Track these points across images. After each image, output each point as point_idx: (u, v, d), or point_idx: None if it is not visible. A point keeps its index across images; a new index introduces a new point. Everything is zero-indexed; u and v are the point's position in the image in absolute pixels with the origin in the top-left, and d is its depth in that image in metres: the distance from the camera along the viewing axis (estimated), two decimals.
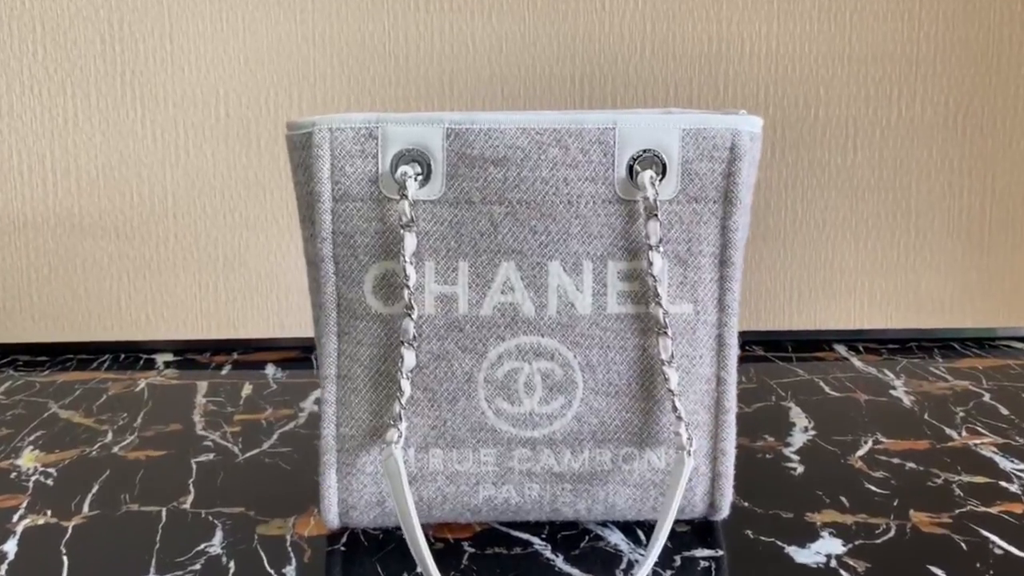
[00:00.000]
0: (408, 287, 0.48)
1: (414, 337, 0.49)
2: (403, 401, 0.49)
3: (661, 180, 0.50)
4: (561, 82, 0.86)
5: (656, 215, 0.49)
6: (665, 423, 0.51)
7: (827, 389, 0.81)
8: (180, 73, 0.85)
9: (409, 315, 0.48)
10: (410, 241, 0.48)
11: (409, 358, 0.49)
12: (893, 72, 0.88)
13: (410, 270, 0.48)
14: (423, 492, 0.51)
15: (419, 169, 0.49)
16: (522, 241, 0.49)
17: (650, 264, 0.49)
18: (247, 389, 0.82)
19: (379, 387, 0.50)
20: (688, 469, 0.49)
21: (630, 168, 0.49)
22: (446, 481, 0.51)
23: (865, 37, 0.88)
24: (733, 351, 0.52)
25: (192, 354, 0.92)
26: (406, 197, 0.48)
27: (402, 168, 0.49)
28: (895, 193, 0.91)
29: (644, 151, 0.50)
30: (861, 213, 0.90)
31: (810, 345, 0.94)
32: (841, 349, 0.93)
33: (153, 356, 0.92)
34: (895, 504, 0.57)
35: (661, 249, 0.49)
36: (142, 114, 0.85)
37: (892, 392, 0.80)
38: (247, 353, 0.92)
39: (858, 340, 0.96)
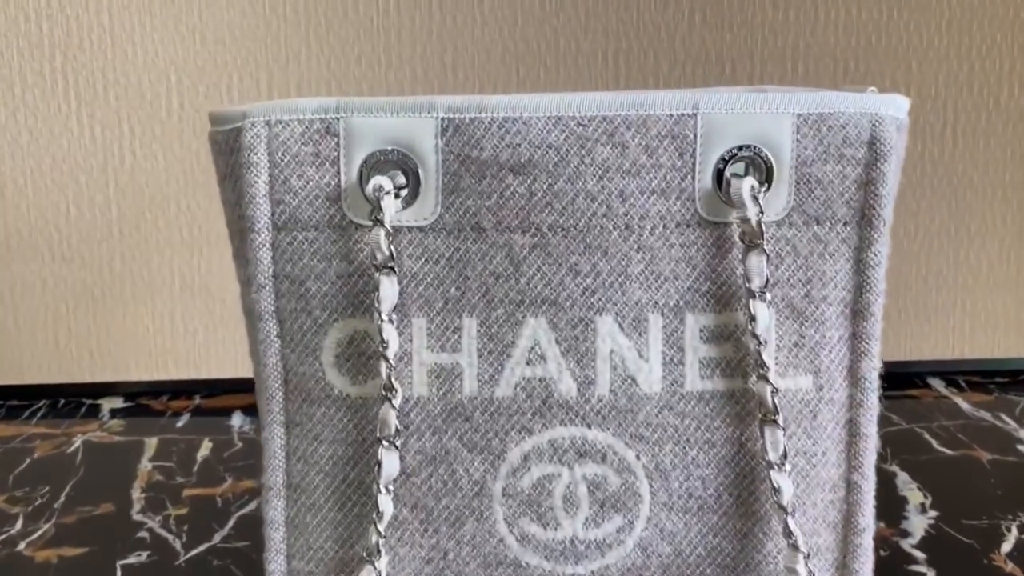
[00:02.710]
0: (387, 357, 0.34)
1: (397, 431, 0.34)
2: (382, 525, 0.34)
3: (766, 192, 0.34)
4: (591, 60, 0.75)
5: (760, 245, 0.33)
6: (771, 551, 0.35)
7: (935, 444, 0.65)
8: (123, 55, 0.75)
9: (389, 399, 0.34)
10: (389, 288, 0.34)
11: (390, 462, 0.34)
12: (1003, 42, 0.74)
13: (389, 331, 0.34)
14: None
15: (402, 180, 0.34)
16: (558, 287, 0.33)
17: (751, 318, 0.34)
18: (204, 448, 0.68)
19: (347, 503, 0.35)
20: None
21: (719, 174, 0.34)
22: None
23: (967, 1, 0.74)
24: (871, 443, 0.36)
25: (146, 398, 0.80)
26: (382, 223, 0.33)
27: (376, 179, 0.34)
28: (1004, 192, 0.78)
29: (740, 148, 0.34)
30: (962, 217, 0.78)
31: (899, 380, 0.79)
32: (938, 385, 0.78)
33: (99, 402, 0.79)
34: None
35: (767, 295, 0.33)
36: (77, 107, 0.75)
37: (1021, 447, 0.63)
38: (211, 396, 0.80)
39: (958, 372, 0.80)
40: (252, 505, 0.58)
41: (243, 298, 0.36)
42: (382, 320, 0.33)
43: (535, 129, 0.33)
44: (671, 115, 0.33)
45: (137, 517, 0.56)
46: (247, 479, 0.62)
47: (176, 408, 0.76)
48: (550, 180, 0.33)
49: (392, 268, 0.33)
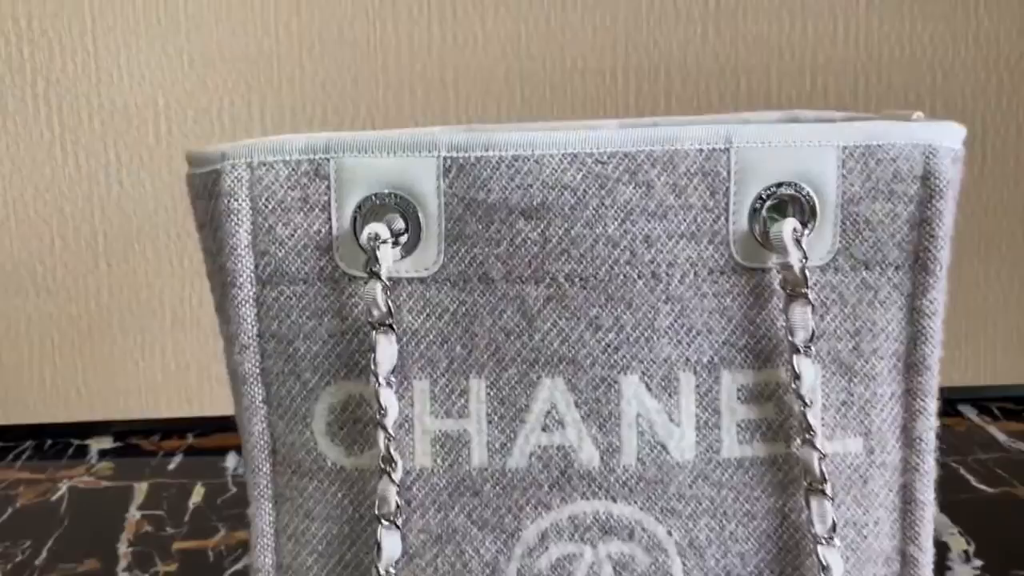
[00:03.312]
0: (385, 425, 0.31)
1: (398, 508, 0.30)
2: None
3: (809, 234, 0.30)
4: (599, 78, 0.73)
5: (804, 293, 0.30)
6: None
7: (973, 481, 0.61)
8: (108, 79, 0.73)
9: (389, 471, 0.31)
10: (387, 348, 0.31)
11: (391, 543, 0.30)
12: None
13: (388, 396, 0.31)
14: None
15: (400, 226, 0.31)
16: (576, 343, 0.30)
17: (794, 376, 0.30)
18: (197, 494, 0.64)
19: None
20: None
21: (754, 213, 0.30)
22: None
23: (996, 9, 0.71)
24: (927, 512, 0.33)
25: (136, 438, 0.77)
26: (378, 275, 0.30)
27: (372, 226, 0.31)
28: None
29: (779, 185, 0.31)
30: (991, 236, 0.75)
31: None
32: (970, 413, 0.75)
33: (87, 442, 0.77)
34: None
35: (812, 349, 0.30)
36: (61, 134, 0.74)
37: None
38: (204, 435, 0.77)
39: (990, 399, 0.77)
40: (247, 559, 0.54)
41: (226, 358, 0.33)
42: (379, 383, 0.30)
43: (548, 168, 0.30)
44: (701, 150, 0.30)
45: (123, 575, 0.53)
46: (241, 529, 0.58)
47: (168, 448, 0.73)
48: (566, 224, 0.30)
49: (390, 325, 0.30)
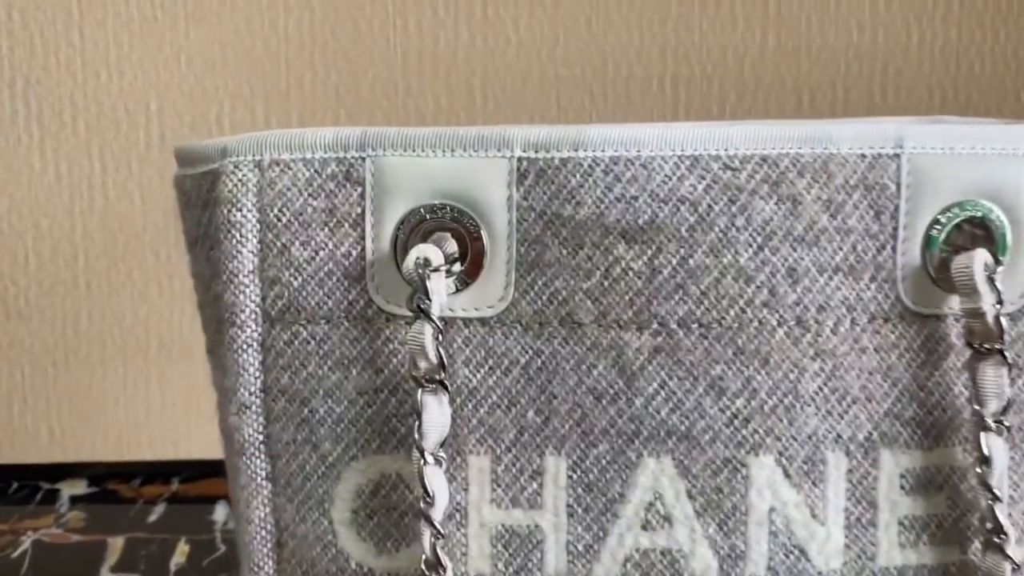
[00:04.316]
0: (431, 518, 0.24)
1: None
2: None
3: (1003, 270, 0.23)
4: (644, 87, 0.68)
5: (998, 349, 0.23)
6: None
7: None
8: (95, 79, 0.69)
9: None
10: (436, 412, 0.24)
11: None
12: None
13: (435, 477, 0.24)
14: None
15: (456, 249, 0.24)
16: (692, 412, 0.23)
17: (980, 459, 0.24)
18: (180, 553, 0.59)
19: None
20: None
21: (930, 242, 0.23)
22: None
23: None
24: None
25: (114, 482, 0.71)
26: (427, 314, 0.23)
27: (419, 249, 0.24)
28: None
29: (962, 206, 0.23)
30: None
31: None
32: None
33: (57, 487, 0.72)
34: None
35: (1006, 424, 0.22)
36: (40, 139, 0.70)
37: None
38: (191, 481, 0.71)
39: None
40: None
41: (219, 417, 0.25)
42: (424, 459, 0.23)
43: (661, 174, 0.22)
44: (863, 155, 0.23)
45: None
46: None
47: (149, 495, 0.68)
48: (683, 251, 0.22)
49: (441, 382, 0.23)
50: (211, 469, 0.70)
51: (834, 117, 0.67)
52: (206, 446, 0.71)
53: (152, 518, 0.63)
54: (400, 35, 0.69)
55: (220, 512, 0.64)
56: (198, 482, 0.70)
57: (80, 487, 0.69)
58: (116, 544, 0.59)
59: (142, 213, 0.69)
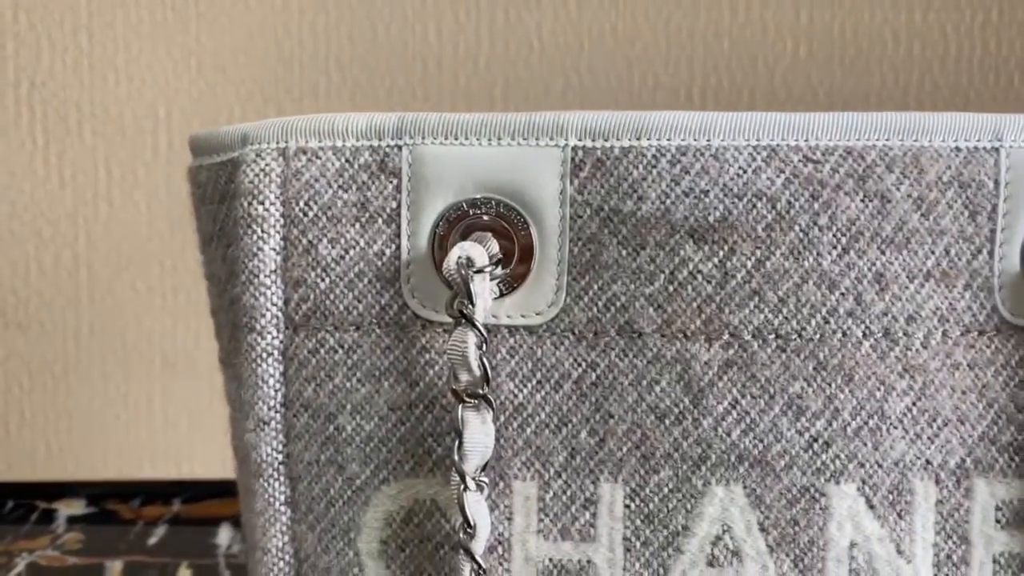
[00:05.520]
0: (471, 551, 0.22)
1: None
2: None
3: None
4: (671, 96, 0.68)
5: None
6: None
7: None
8: (102, 83, 0.67)
9: None
10: (478, 431, 0.22)
11: None
12: None
13: (476, 504, 0.22)
14: None
15: (498, 249, 0.22)
16: (766, 434, 0.21)
17: None
18: None
19: None
20: None
21: None
22: None
23: None
24: None
25: (113, 502, 0.69)
26: (471, 321, 0.21)
27: (461, 247, 0.22)
28: None
29: None
30: None
31: None
32: None
33: (54, 506, 0.70)
34: None
35: None
36: (45, 144, 0.69)
37: None
38: (194, 501, 0.69)
39: None
40: None
41: (233, 434, 0.23)
42: (464, 485, 0.20)
43: (735, 167, 0.20)
44: (958, 148, 0.21)
45: None
46: None
47: (150, 516, 0.66)
48: (759, 253, 0.20)
49: (485, 396, 0.20)
50: (215, 489, 0.69)
51: None
52: (210, 465, 0.69)
53: (152, 540, 0.62)
54: (419, 40, 0.67)
55: (224, 535, 0.63)
56: (201, 503, 0.68)
57: (78, 507, 0.68)
58: (114, 568, 0.58)
59: (148, 222, 0.67)
